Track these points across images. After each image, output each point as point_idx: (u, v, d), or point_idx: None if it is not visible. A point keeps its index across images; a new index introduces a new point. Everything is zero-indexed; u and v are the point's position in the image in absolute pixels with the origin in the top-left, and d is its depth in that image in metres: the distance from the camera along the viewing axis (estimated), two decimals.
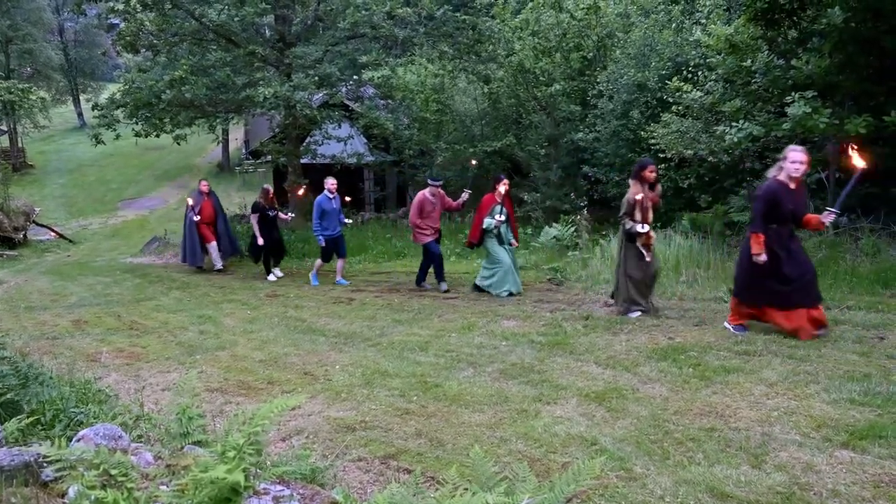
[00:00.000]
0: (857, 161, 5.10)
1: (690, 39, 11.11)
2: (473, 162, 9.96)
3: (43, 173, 33.60)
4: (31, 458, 2.30)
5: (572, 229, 11.39)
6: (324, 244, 9.79)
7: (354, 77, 14.49)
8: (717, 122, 9.39)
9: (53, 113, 37.57)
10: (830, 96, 8.37)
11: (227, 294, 9.64)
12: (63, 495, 2.12)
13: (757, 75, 8.59)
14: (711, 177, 10.78)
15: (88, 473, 1.95)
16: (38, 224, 20.84)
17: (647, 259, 6.51)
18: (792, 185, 5.33)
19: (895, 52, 7.79)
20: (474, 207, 10.47)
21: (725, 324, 5.88)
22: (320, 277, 10.26)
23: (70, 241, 20.65)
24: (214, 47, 13.95)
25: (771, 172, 5.51)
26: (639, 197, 6.37)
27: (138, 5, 13.20)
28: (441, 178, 9.70)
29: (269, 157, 18.16)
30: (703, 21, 10.72)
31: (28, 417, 2.81)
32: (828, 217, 5.31)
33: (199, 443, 2.60)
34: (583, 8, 14.57)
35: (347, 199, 11.81)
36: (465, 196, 9.02)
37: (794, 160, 5.25)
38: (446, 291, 8.68)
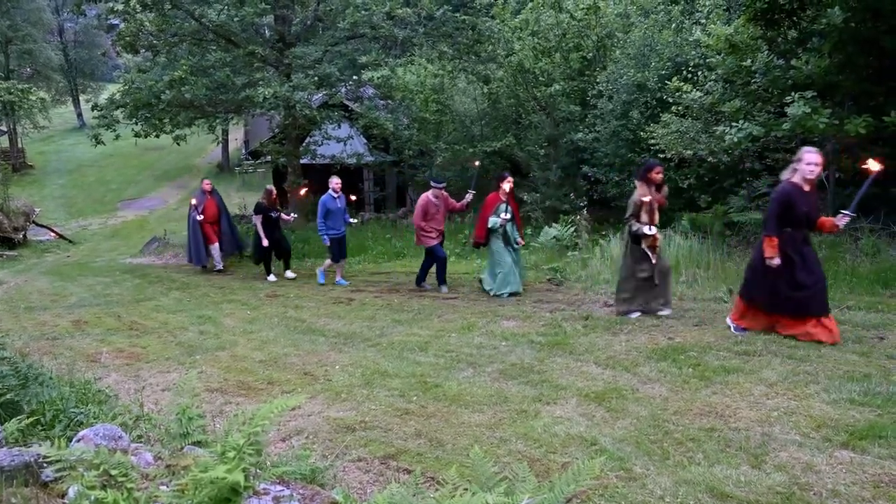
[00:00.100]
0: (872, 164, 5.08)
1: (690, 39, 11.12)
2: (476, 163, 9.93)
3: (42, 174, 33.61)
4: (31, 459, 2.30)
5: (572, 229, 11.38)
6: (328, 243, 9.78)
7: (354, 77, 14.48)
8: (717, 122, 9.39)
9: (53, 113, 37.57)
10: (830, 96, 8.38)
11: (227, 294, 9.63)
12: (63, 495, 2.12)
13: (757, 75, 8.59)
14: (711, 177, 10.78)
15: (88, 474, 1.95)
16: (37, 224, 20.85)
17: (653, 261, 6.45)
18: (806, 188, 5.27)
19: (895, 52, 7.79)
20: (477, 207, 10.46)
21: (728, 319, 5.86)
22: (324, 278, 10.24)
23: (70, 241, 20.65)
24: (214, 47, 13.94)
25: (784, 175, 5.43)
26: (646, 198, 6.33)
27: (138, 6, 13.19)
28: (444, 179, 9.64)
29: (268, 158, 18.15)
30: (703, 21, 10.72)
31: (28, 418, 2.82)
32: (842, 220, 5.24)
33: (198, 443, 2.60)
34: (582, 8, 14.56)
35: (353, 197, 11.73)
36: (468, 197, 8.97)
37: (809, 162, 5.17)
38: (446, 293, 8.68)
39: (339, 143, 16.19)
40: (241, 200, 20.95)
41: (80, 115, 43.40)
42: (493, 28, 14.68)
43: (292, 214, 11.60)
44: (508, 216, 8.15)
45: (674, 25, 12.62)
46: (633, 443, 3.61)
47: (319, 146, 16.51)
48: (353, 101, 16.36)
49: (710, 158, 9.78)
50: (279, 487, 2.28)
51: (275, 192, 11.00)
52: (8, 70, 35.93)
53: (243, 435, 1.98)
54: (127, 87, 13.18)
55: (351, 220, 10.22)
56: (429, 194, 8.86)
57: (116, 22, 15.39)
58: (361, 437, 3.87)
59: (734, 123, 8.40)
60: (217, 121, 14.60)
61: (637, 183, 6.52)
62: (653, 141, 10.57)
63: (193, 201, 11.95)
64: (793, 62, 8.11)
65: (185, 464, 2.22)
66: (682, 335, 5.80)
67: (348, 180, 11.94)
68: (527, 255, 10.65)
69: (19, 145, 34.62)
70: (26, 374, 3.42)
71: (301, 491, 2.42)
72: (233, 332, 7.01)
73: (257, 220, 10.60)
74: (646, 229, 6.34)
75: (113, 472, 1.99)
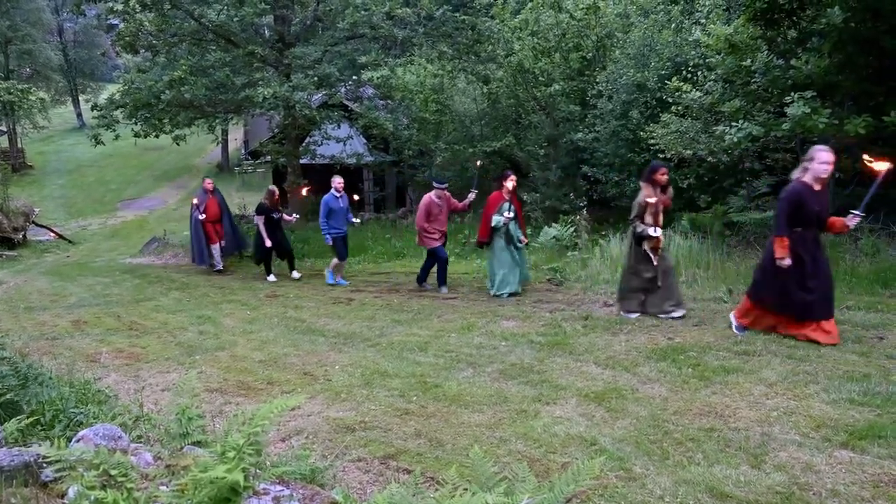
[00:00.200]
0: (879, 165, 5.05)
1: (690, 39, 11.11)
2: (479, 163, 9.92)
3: (42, 174, 33.61)
4: (31, 459, 2.30)
5: (571, 229, 11.38)
6: (331, 243, 9.74)
7: (354, 77, 14.48)
8: (717, 122, 9.39)
9: (53, 113, 37.59)
10: (830, 96, 8.37)
11: (227, 294, 9.63)
12: (63, 496, 2.12)
13: (756, 75, 8.59)
14: (711, 177, 10.78)
15: (88, 474, 1.95)
16: (37, 224, 20.85)
17: (654, 263, 6.41)
18: (817, 187, 5.21)
19: (894, 52, 7.79)
20: (479, 207, 10.42)
21: (731, 315, 5.84)
22: (344, 278, 10.25)
23: (69, 241, 20.66)
24: (214, 47, 13.94)
25: (795, 174, 5.37)
26: (651, 200, 6.30)
27: (137, 6, 13.19)
28: (446, 179, 9.54)
29: (268, 158, 18.16)
30: (703, 21, 10.72)
31: (28, 418, 2.82)
32: (852, 220, 5.19)
33: (198, 443, 2.60)
34: (582, 8, 14.56)
35: (356, 197, 11.69)
36: (471, 196, 8.93)
37: (823, 161, 5.11)
38: (446, 294, 8.67)
39: (338, 143, 16.20)
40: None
41: (79, 115, 43.42)
42: (493, 28, 14.69)
43: (294, 215, 11.57)
44: (512, 215, 8.09)
45: (673, 25, 12.62)
46: (633, 443, 3.61)
47: (319, 146, 16.52)
48: (353, 102, 16.37)
49: (709, 158, 9.78)
50: (279, 487, 2.28)
51: (277, 192, 10.93)
52: (7, 70, 35.93)
53: (243, 435, 1.98)
54: (126, 87, 13.18)
55: (354, 219, 10.19)
56: (431, 195, 8.82)
57: (116, 22, 15.39)
58: (361, 437, 3.87)
59: (734, 123, 8.40)
60: (217, 121, 14.61)
61: (642, 184, 6.49)
62: (652, 141, 10.56)
63: (195, 200, 11.89)
64: (792, 62, 8.11)
65: (185, 464, 2.22)
66: (682, 335, 5.80)
67: (348, 180, 11.91)
68: (527, 255, 10.65)
69: (19, 145, 34.63)
70: (26, 374, 3.42)
71: (301, 491, 2.42)
72: (232, 333, 7.01)
73: (259, 221, 10.55)
74: (651, 231, 6.31)
75: (113, 473, 1.99)
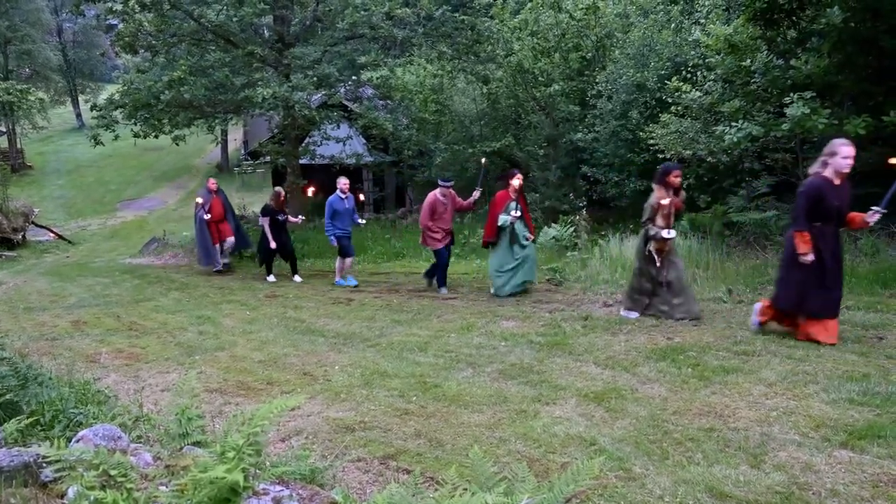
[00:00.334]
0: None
1: (689, 39, 11.12)
2: (484, 161, 9.87)
3: (42, 174, 33.61)
4: (31, 459, 2.30)
5: (571, 229, 11.39)
6: (335, 243, 9.71)
7: (353, 77, 14.47)
8: (716, 122, 9.40)
9: (52, 114, 37.54)
10: (829, 96, 8.38)
11: (227, 295, 9.63)
12: (62, 496, 2.12)
13: (756, 75, 8.60)
14: (710, 177, 10.79)
15: (88, 474, 1.95)
16: (36, 225, 20.85)
17: (657, 263, 6.37)
18: (836, 181, 5.14)
19: (894, 51, 7.79)
20: (482, 206, 10.36)
21: (754, 316, 5.74)
22: (344, 278, 10.12)
23: (69, 241, 20.65)
24: (213, 48, 13.93)
25: (813, 168, 5.30)
26: (665, 201, 6.25)
27: (137, 6, 13.17)
28: (452, 178, 9.42)
29: (267, 158, 18.15)
30: (702, 21, 10.72)
31: (27, 418, 2.82)
32: (872, 216, 5.13)
33: (198, 443, 2.60)
34: (582, 8, 14.57)
35: (361, 197, 11.62)
36: (475, 195, 8.88)
37: (846, 155, 5.03)
38: (445, 294, 8.66)
39: (338, 143, 16.20)
40: (240, 201, 20.94)
41: (79, 115, 43.40)
42: (493, 28, 14.68)
43: (300, 217, 11.51)
44: (518, 214, 8.04)
45: (673, 25, 12.63)
46: (633, 443, 3.61)
47: (319, 146, 16.52)
48: (353, 102, 16.36)
49: (709, 158, 9.79)
50: (278, 487, 2.28)
51: (283, 193, 10.87)
52: (7, 70, 35.93)
53: (243, 435, 1.98)
54: (126, 87, 13.17)
55: (359, 220, 10.14)
56: (436, 193, 8.74)
57: (115, 22, 15.38)
58: (361, 438, 3.87)
59: (733, 123, 8.40)
60: (216, 121, 14.60)
61: (654, 186, 6.44)
62: (652, 141, 10.57)
63: (199, 200, 11.81)
64: (792, 62, 8.12)
65: (185, 464, 2.22)
66: (682, 335, 5.80)
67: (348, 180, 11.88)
68: (536, 254, 10.62)
69: (18, 146, 34.60)
70: (26, 374, 3.42)
71: (300, 491, 2.42)
72: (232, 333, 7.01)
73: (265, 222, 10.49)
74: (664, 233, 6.27)
75: (112, 473, 1.99)
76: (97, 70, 45.05)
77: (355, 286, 9.69)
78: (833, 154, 5.11)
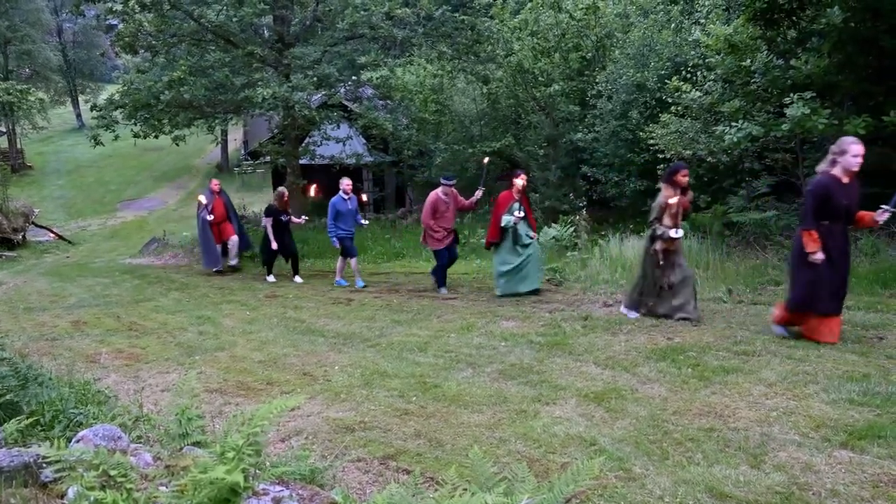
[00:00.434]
0: None
1: (689, 39, 11.12)
2: (486, 160, 9.85)
3: (42, 174, 33.62)
4: (31, 459, 2.30)
5: (571, 229, 11.39)
6: (337, 244, 9.68)
7: (353, 77, 14.47)
8: (716, 122, 9.40)
9: (52, 114, 37.53)
10: (829, 96, 8.38)
11: (227, 295, 9.63)
12: (62, 496, 2.12)
13: (756, 75, 8.60)
14: (710, 177, 10.79)
15: (88, 474, 1.95)
16: (36, 225, 20.85)
17: (660, 262, 6.33)
18: (845, 179, 5.10)
19: (894, 51, 7.79)
20: (486, 206, 10.25)
21: (776, 327, 5.58)
22: (345, 279, 10.10)
23: (69, 242, 20.65)
24: (213, 48, 13.94)
25: (821, 167, 5.25)
26: (672, 201, 6.20)
27: (137, 6, 13.18)
28: (454, 177, 9.32)
29: (267, 158, 18.14)
30: (703, 21, 10.73)
31: (27, 418, 2.82)
32: (882, 215, 5.09)
33: (198, 443, 2.60)
34: (582, 8, 14.57)
35: (364, 198, 11.53)
36: (478, 194, 8.83)
37: (856, 153, 4.99)
38: (445, 295, 8.64)
39: (338, 143, 16.20)
40: (240, 201, 20.93)
41: (79, 115, 43.40)
42: (493, 28, 14.68)
43: (304, 217, 11.48)
44: (522, 214, 8.01)
45: (673, 25, 12.63)
46: (633, 443, 3.61)
47: (318, 146, 16.51)
48: (352, 102, 16.36)
49: (709, 158, 9.79)
50: (278, 488, 2.28)
51: (286, 194, 10.79)
52: (7, 70, 35.93)
53: (242, 435, 1.98)
54: (126, 87, 13.17)
55: (362, 220, 10.10)
56: (438, 191, 8.68)
57: (115, 22, 15.39)
58: (361, 438, 3.87)
59: (733, 123, 8.41)
60: (216, 121, 14.60)
61: (662, 185, 6.39)
62: (652, 141, 10.57)
63: (203, 200, 11.73)
64: (792, 62, 8.12)
65: (185, 464, 2.22)
66: (682, 335, 5.80)
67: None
68: (540, 253, 10.60)
69: (18, 146, 34.62)
70: (26, 374, 3.42)
71: (300, 491, 2.42)
72: (232, 333, 7.01)
73: (268, 223, 10.44)
74: (672, 233, 6.22)
75: (112, 473, 1.99)
76: (97, 70, 45.06)
77: (363, 287, 9.60)
78: (843, 152, 5.06)
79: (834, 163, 5.13)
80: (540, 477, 3.17)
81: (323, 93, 13.93)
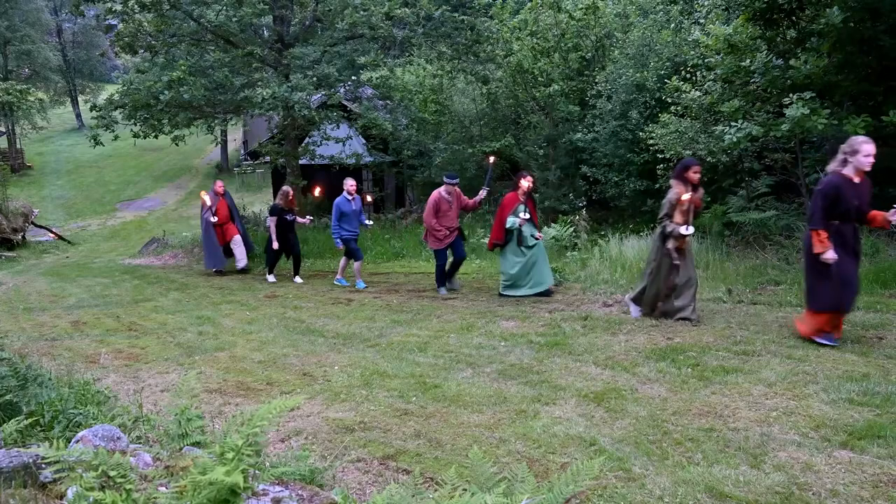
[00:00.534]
0: None
1: (689, 39, 11.11)
2: (492, 160, 9.77)
3: (41, 174, 33.61)
4: (30, 460, 2.30)
5: (571, 229, 11.39)
6: (341, 246, 9.63)
7: (353, 78, 14.48)
8: (716, 122, 9.40)
9: (51, 114, 37.59)
10: (829, 96, 8.38)
11: (226, 295, 9.63)
12: (62, 497, 2.12)
13: (755, 75, 8.60)
14: (710, 177, 10.78)
15: (87, 475, 1.95)
16: (36, 225, 20.85)
17: (676, 262, 6.24)
18: (856, 179, 5.07)
19: (894, 51, 7.80)
20: (488, 206, 10.17)
21: (817, 339, 5.26)
22: (345, 278, 10.09)
23: (69, 242, 20.65)
24: (213, 48, 13.94)
25: (831, 166, 5.22)
26: (685, 197, 6.09)
27: (136, 6, 13.18)
28: (458, 175, 9.20)
29: (267, 158, 18.14)
30: (702, 21, 10.73)
31: (27, 419, 2.81)
32: (894, 215, 5.03)
33: (197, 444, 2.59)
34: (581, 8, 14.57)
35: (369, 198, 11.45)
36: (482, 194, 8.78)
37: (868, 153, 4.96)
38: (445, 295, 8.64)
39: (337, 143, 16.19)
40: (240, 201, 20.91)
41: (78, 115, 43.39)
42: (492, 28, 14.68)
43: (308, 217, 11.42)
44: (527, 216, 7.99)
45: (673, 25, 12.63)
46: (632, 443, 3.61)
47: (318, 146, 16.51)
48: (352, 102, 16.35)
49: (708, 158, 9.78)
50: (278, 488, 2.28)
51: (292, 193, 10.72)
52: (6, 71, 35.94)
53: (242, 436, 1.98)
54: (125, 87, 13.16)
55: (367, 221, 10.06)
56: (441, 191, 8.62)
57: (115, 22, 15.38)
58: (360, 438, 3.87)
59: (733, 123, 8.40)
60: (216, 121, 14.60)
61: (673, 182, 6.30)
62: (652, 141, 10.57)
63: (207, 201, 11.66)
64: (792, 62, 8.12)
65: (184, 465, 2.22)
66: (681, 335, 5.80)
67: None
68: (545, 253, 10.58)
69: (18, 146, 34.61)
70: (25, 375, 3.42)
71: (300, 492, 2.42)
72: (232, 333, 7.01)
73: (271, 222, 10.39)
74: (682, 229, 6.12)
75: (112, 474, 1.98)
76: (97, 70, 45.06)
77: (363, 288, 9.57)
78: (854, 152, 5.03)
79: (845, 162, 5.10)
80: (540, 477, 3.17)
81: (322, 93, 13.92)
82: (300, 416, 4.27)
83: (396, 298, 8.56)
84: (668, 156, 10.21)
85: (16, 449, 2.44)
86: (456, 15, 14.05)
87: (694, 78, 10.01)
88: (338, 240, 9.58)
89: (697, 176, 6.25)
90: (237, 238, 11.82)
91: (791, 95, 7.71)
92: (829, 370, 4.60)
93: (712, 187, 10.97)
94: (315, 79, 12.59)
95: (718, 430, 3.71)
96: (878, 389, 4.15)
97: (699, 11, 11.28)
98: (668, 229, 6.22)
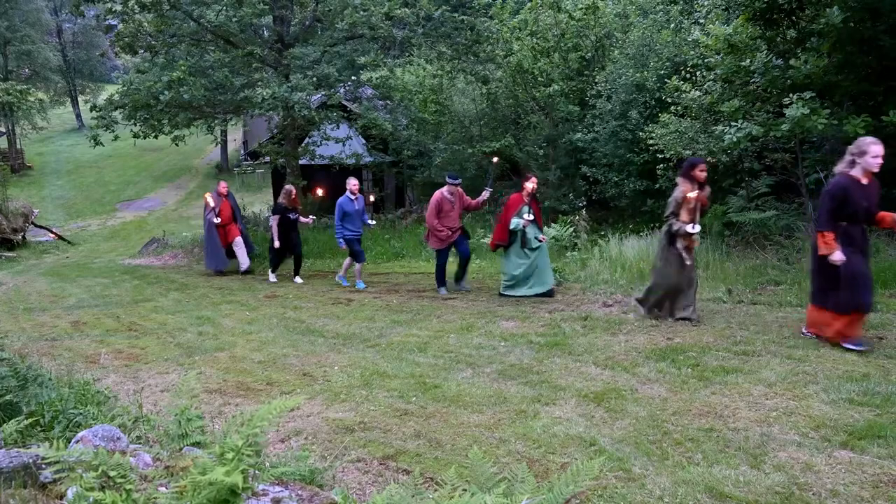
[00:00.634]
0: None
1: (689, 39, 11.11)
2: (496, 159, 9.67)
3: (41, 174, 33.60)
4: (30, 460, 2.30)
5: (571, 229, 11.39)
6: (344, 246, 9.61)
7: (353, 78, 14.47)
8: (716, 122, 9.39)
9: (52, 114, 37.57)
10: (829, 96, 8.38)
11: (226, 295, 9.63)
12: (62, 497, 2.12)
13: (755, 75, 8.59)
14: (710, 177, 10.75)
15: (87, 475, 1.95)
16: (36, 225, 20.84)
17: (688, 262, 6.21)
18: (864, 180, 5.04)
19: (894, 51, 7.79)
20: (490, 206, 10.13)
21: (845, 344, 5.13)
22: (346, 278, 10.05)
23: (69, 242, 20.64)
24: (213, 48, 13.94)
25: (839, 167, 5.19)
26: (692, 195, 6.06)
27: (136, 6, 13.17)
28: (460, 176, 9.14)
29: (267, 159, 18.14)
30: (702, 21, 10.72)
31: (27, 419, 2.81)
32: None
33: (197, 444, 2.59)
34: (581, 8, 14.57)
35: (372, 198, 11.40)
36: (485, 194, 8.75)
37: (876, 154, 4.93)
38: (444, 295, 8.63)
39: (337, 143, 16.19)
40: (240, 201, 20.90)
41: (78, 115, 43.39)
42: (492, 28, 14.67)
43: (311, 217, 11.41)
44: (531, 217, 7.97)
45: (672, 25, 12.63)
46: (632, 443, 3.61)
47: (318, 147, 16.50)
48: (352, 102, 16.35)
49: (708, 158, 9.76)
50: (278, 488, 2.28)
51: (294, 191, 10.68)
52: (6, 71, 35.94)
53: (242, 436, 1.98)
54: (125, 87, 13.16)
55: (370, 221, 10.02)
56: (443, 191, 8.59)
57: (115, 23, 15.38)
58: (360, 438, 3.87)
59: (733, 123, 8.40)
60: (216, 122, 14.60)
61: (679, 180, 6.26)
62: (652, 141, 10.57)
63: (211, 202, 11.62)
64: (791, 62, 8.11)
65: (184, 465, 2.22)
66: (681, 335, 5.80)
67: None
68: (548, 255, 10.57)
69: (18, 146, 34.61)
70: (25, 375, 3.42)
71: (300, 492, 2.42)
72: (232, 333, 7.01)
73: (274, 221, 10.36)
74: (689, 228, 6.09)
75: (112, 474, 1.98)
76: (97, 70, 45.05)
77: (363, 289, 9.55)
78: (863, 153, 5.00)
79: (853, 163, 5.08)
80: (540, 477, 3.17)
81: (322, 93, 13.92)
82: (300, 417, 4.27)
83: (396, 298, 8.56)
84: (667, 156, 10.21)
85: (16, 449, 2.44)
86: (456, 15, 14.05)
87: (694, 78, 10.01)
88: (340, 240, 9.55)
89: (704, 174, 6.22)
90: (238, 240, 11.81)
91: (791, 95, 7.70)
92: (829, 370, 4.60)
93: (712, 187, 10.97)
94: (315, 79, 12.58)
95: (718, 431, 3.71)
96: (879, 389, 4.15)
97: (699, 11, 11.27)
98: (675, 227, 6.19)
